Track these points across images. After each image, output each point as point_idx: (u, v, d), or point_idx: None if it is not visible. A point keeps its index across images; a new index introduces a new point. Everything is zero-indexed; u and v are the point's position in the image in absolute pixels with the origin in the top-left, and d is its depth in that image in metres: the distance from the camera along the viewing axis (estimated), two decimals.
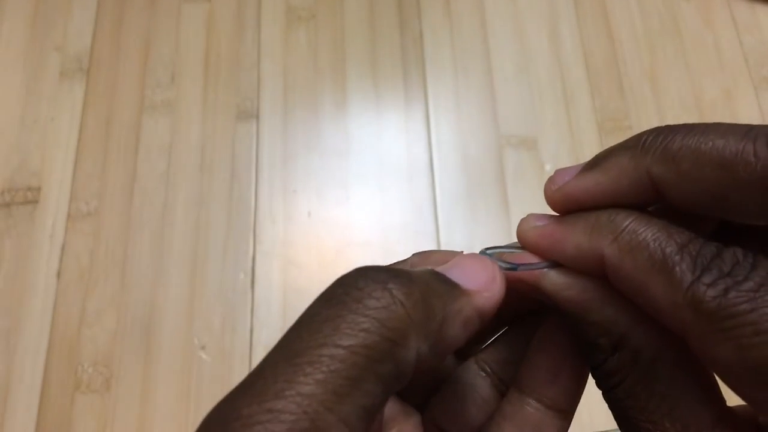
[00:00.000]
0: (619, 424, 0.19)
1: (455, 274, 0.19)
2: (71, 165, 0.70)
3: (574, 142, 0.70)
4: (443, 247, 0.66)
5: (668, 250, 0.16)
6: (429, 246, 0.65)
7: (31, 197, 0.68)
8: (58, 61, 0.75)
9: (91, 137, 0.71)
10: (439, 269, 0.19)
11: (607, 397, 0.19)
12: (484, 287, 0.18)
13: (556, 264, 0.19)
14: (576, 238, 0.19)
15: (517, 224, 0.21)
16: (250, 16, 0.77)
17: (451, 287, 0.18)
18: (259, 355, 0.63)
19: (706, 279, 0.16)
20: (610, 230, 0.18)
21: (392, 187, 0.69)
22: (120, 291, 0.65)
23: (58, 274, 0.66)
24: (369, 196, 0.69)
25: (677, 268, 0.16)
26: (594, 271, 0.18)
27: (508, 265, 0.20)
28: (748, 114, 0.70)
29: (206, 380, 0.62)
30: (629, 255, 0.17)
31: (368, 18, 0.77)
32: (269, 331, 0.64)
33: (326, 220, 0.68)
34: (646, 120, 0.71)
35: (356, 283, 0.16)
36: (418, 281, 0.17)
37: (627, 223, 0.18)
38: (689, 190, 0.17)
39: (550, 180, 0.20)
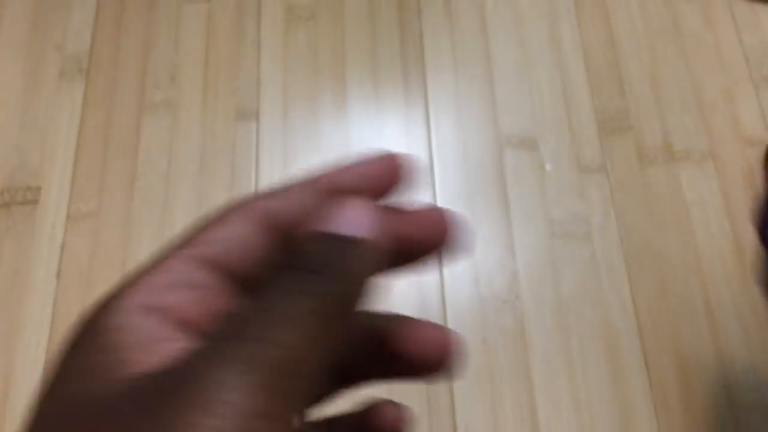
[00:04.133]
0: None
1: None
2: (71, 165, 0.70)
3: (574, 142, 0.70)
4: None
5: None
6: None
7: (30, 197, 0.68)
8: (58, 62, 0.75)
9: (91, 137, 0.71)
10: None
11: None
12: None
13: None
14: None
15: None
16: (250, 17, 0.77)
17: None
18: None
19: None
20: None
21: None
22: None
23: (58, 274, 0.66)
24: None
25: None
26: None
27: None
28: (748, 113, 0.70)
29: None
30: None
31: (368, 18, 0.77)
32: None
33: None
34: (646, 120, 0.71)
35: None
36: None
37: None
38: None
39: None
